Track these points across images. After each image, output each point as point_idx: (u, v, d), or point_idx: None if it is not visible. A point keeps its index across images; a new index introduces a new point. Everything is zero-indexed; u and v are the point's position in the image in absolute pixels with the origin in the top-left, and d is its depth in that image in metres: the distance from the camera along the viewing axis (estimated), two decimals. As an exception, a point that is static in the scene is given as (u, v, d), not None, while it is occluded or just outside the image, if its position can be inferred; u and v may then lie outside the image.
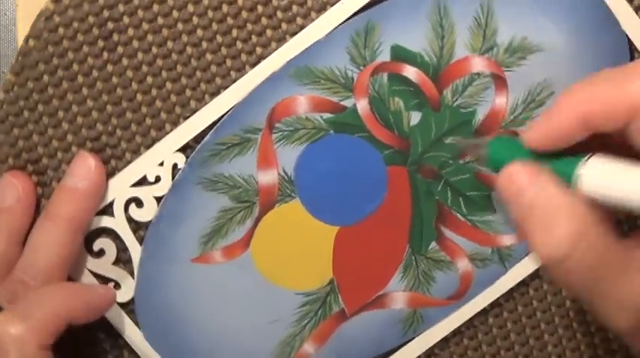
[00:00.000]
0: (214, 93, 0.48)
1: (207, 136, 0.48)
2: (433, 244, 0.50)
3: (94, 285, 0.49)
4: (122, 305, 0.49)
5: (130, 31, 0.47)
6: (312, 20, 0.47)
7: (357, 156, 0.49)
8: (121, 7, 0.46)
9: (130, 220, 0.48)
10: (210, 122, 0.48)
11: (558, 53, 0.48)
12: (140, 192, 0.48)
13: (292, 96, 0.48)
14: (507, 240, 0.50)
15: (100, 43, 0.47)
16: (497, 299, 0.51)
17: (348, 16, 0.47)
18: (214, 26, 0.47)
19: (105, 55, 0.47)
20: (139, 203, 0.48)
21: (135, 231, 0.49)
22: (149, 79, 0.47)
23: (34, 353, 0.43)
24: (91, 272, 0.49)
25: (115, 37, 0.47)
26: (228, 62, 0.48)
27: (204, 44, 0.47)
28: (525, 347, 0.52)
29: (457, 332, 0.52)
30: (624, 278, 0.37)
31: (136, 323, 0.50)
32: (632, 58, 0.49)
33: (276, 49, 0.47)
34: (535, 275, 0.51)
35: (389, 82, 0.48)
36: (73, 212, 0.47)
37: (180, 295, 0.49)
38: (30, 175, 0.48)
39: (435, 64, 0.48)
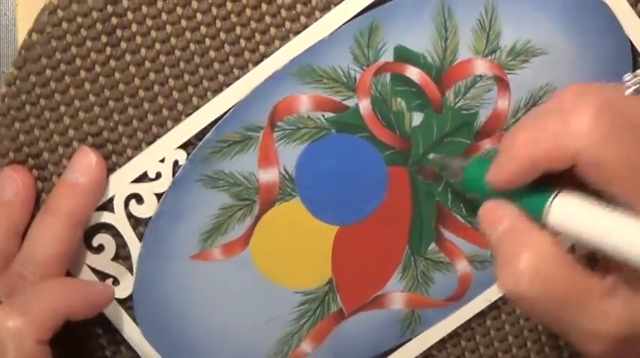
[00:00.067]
0: (217, 91, 0.48)
1: (209, 133, 0.48)
2: (432, 245, 0.50)
3: (93, 282, 0.49)
4: (120, 302, 0.49)
5: (134, 27, 0.47)
6: (316, 19, 0.47)
7: (358, 156, 0.49)
8: (125, 3, 0.46)
9: (130, 216, 0.48)
10: (212, 119, 0.48)
11: (561, 57, 0.48)
12: (140, 189, 0.48)
13: (294, 95, 0.48)
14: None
15: (104, 39, 0.47)
16: (496, 301, 0.51)
17: (352, 15, 0.47)
18: (218, 23, 0.47)
19: (108, 50, 0.47)
20: (140, 199, 0.48)
21: (134, 227, 0.49)
22: (152, 75, 0.47)
23: (31, 348, 0.43)
24: (90, 267, 0.49)
25: (119, 32, 0.47)
26: (231, 60, 0.48)
27: (208, 41, 0.47)
28: (523, 349, 0.52)
29: (455, 334, 0.52)
30: (589, 308, 0.37)
31: (134, 320, 0.50)
32: (634, 63, 0.49)
33: (279, 47, 0.47)
34: (533, 278, 0.51)
35: (391, 83, 0.48)
36: (73, 207, 0.47)
37: (179, 292, 0.49)
38: (31, 169, 0.48)
39: (438, 65, 0.48)
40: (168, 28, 0.47)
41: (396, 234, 0.50)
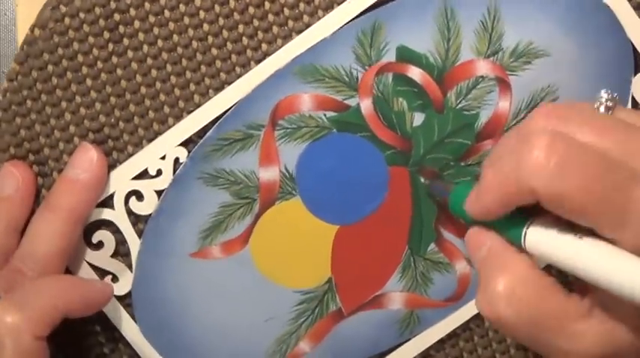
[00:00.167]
0: (218, 89, 0.48)
1: (210, 131, 0.48)
2: (432, 245, 0.50)
3: (93, 280, 0.49)
4: (119, 299, 0.49)
5: (137, 24, 0.47)
6: (319, 18, 0.47)
7: (359, 155, 0.49)
8: (127, 0, 0.46)
9: (130, 213, 0.48)
10: (213, 117, 0.48)
11: (563, 59, 0.48)
12: (141, 185, 0.48)
13: (296, 94, 0.48)
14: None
15: (106, 35, 0.47)
16: (494, 302, 0.51)
17: (354, 15, 0.47)
18: (221, 21, 0.47)
19: (110, 46, 0.47)
20: (140, 196, 0.48)
21: (134, 224, 0.49)
22: (153, 72, 0.47)
23: (29, 344, 0.43)
24: (89, 264, 0.49)
25: (121, 29, 0.47)
26: (234, 58, 0.48)
27: (210, 39, 0.47)
28: (520, 350, 0.52)
29: (453, 335, 0.52)
30: (564, 329, 0.38)
31: (133, 317, 0.50)
32: (636, 65, 0.49)
33: (281, 46, 0.47)
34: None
35: (393, 83, 0.48)
36: (74, 203, 0.47)
37: (178, 290, 0.49)
38: (31, 165, 0.48)
39: (440, 65, 0.48)
40: (171, 25, 0.47)
41: (396, 234, 0.50)
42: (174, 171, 0.48)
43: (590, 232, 0.36)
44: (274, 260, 0.50)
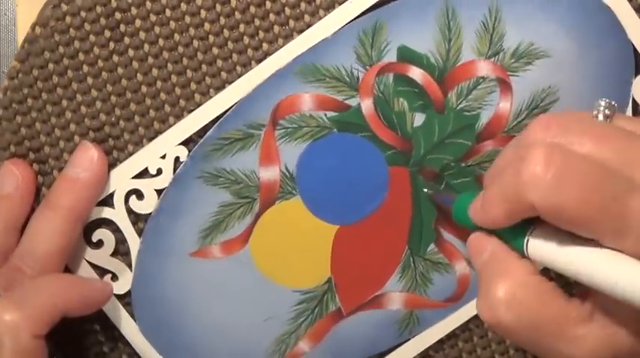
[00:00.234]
0: (219, 88, 0.48)
1: (211, 130, 0.48)
2: (432, 246, 0.50)
3: (92, 279, 0.48)
4: (119, 297, 0.49)
5: (138, 23, 0.47)
6: (320, 18, 0.47)
7: (360, 155, 0.49)
8: (129, -2, 0.46)
9: (130, 212, 0.48)
10: (214, 116, 0.48)
11: (564, 60, 0.48)
12: (141, 184, 0.48)
13: (297, 94, 0.48)
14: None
15: (107, 34, 0.47)
16: (494, 303, 0.51)
17: (356, 15, 0.47)
18: (222, 20, 0.47)
19: (111, 45, 0.47)
20: (140, 195, 0.48)
21: (134, 223, 0.49)
22: (154, 71, 0.47)
23: (27, 342, 0.43)
24: (89, 262, 0.49)
25: (122, 27, 0.47)
26: (235, 57, 0.48)
27: (211, 38, 0.47)
28: (519, 351, 0.52)
29: (452, 335, 0.52)
30: (565, 334, 0.38)
31: (132, 316, 0.49)
32: (636, 67, 0.49)
33: (282, 45, 0.47)
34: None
35: (394, 83, 0.48)
36: (74, 202, 0.47)
37: (178, 289, 0.49)
38: (31, 163, 0.48)
39: (441, 66, 0.48)
40: (172, 24, 0.47)
41: (396, 234, 0.50)
42: (175, 170, 0.48)
43: (592, 239, 0.37)
44: (274, 259, 0.50)
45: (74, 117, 0.47)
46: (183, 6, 0.47)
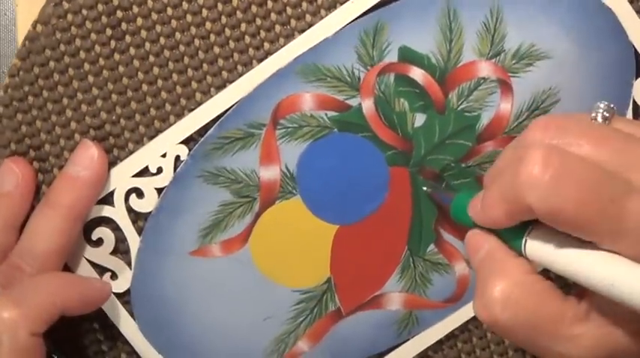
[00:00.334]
0: (220, 87, 0.48)
1: (211, 130, 0.48)
2: (432, 246, 0.50)
3: (92, 278, 0.48)
4: (118, 296, 0.49)
5: (139, 21, 0.47)
6: (322, 18, 0.47)
7: (360, 155, 0.49)
8: (130, -3, 0.46)
9: (130, 210, 0.48)
10: (214, 115, 0.48)
11: (565, 61, 0.48)
12: (141, 183, 0.48)
13: (298, 93, 0.48)
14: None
15: (108, 32, 0.47)
16: (493, 304, 0.51)
17: (357, 15, 0.47)
18: (223, 20, 0.47)
19: (112, 43, 0.47)
20: (140, 193, 0.48)
21: (134, 222, 0.49)
22: (155, 70, 0.47)
23: (25, 340, 0.43)
24: (89, 261, 0.49)
25: (124, 26, 0.47)
26: (236, 56, 0.48)
27: (213, 37, 0.47)
28: (519, 352, 0.52)
29: (451, 336, 0.52)
30: (560, 333, 0.38)
31: (131, 314, 0.49)
32: (637, 68, 0.49)
33: (284, 45, 0.47)
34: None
35: (395, 83, 0.48)
36: (74, 200, 0.47)
37: (177, 288, 0.49)
38: (32, 161, 0.48)
39: (442, 66, 0.48)
40: (174, 22, 0.47)
41: (396, 235, 0.50)
42: (175, 168, 0.48)
43: (590, 241, 0.37)
44: (274, 259, 0.50)
45: (75, 116, 0.47)
46: (185, 5, 0.47)
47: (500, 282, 0.38)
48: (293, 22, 0.47)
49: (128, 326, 0.50)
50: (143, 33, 0.47)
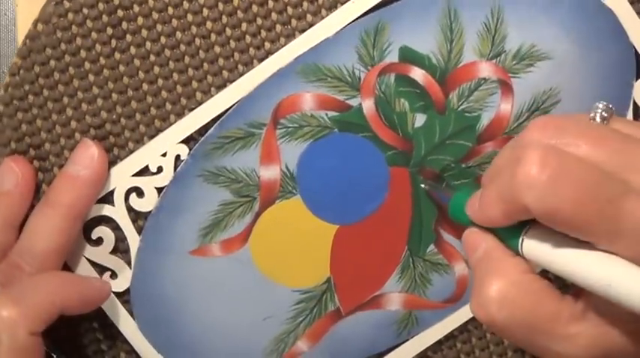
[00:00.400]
0: (221, 86, 0.48)
1: (212, 129, 0.48)
2: (431, 247, 0.50)
3: (91, 278, 0.48)
4: (117, 295, 0.49)
5: (140, 20, 0.47)
6: (323, 18, 0.47)
7: (360, 155, 0.49)
8: (131, -4, 0.46)
9: (130, 210, 0.48)
10: (215, 115, 0.48)
11: (566, 62, 0.48)
12: (141, 182, 0.48)
13: (298, 93, 0.48)
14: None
15: (109, 31, 0.47)
16: (493, 304, 0.51)
17: (358, 15, 0.47)
18: (224, 19, 0.47)
19: (113, 42, 0.47)
20: (140, 193, 0.48)
21: (134, 221, 0.48)
22: (156, 69, 0.47)
23: (24, 339, 0.42)
24: (88, 260, 0.49)
25: (124, 25, 0.47)
26: (236, 56, 0.48)
27: (213, 37, 0.47)
28: (518, 353, 0.52)
29: (451, 336, 0.52)
30: (557, 332, 0.38)
31: (131, 314, 0.49)
32: (638, 69, 0.49)
33: (284, 44, 0.47)
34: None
35: (396, 83, 0.48)
36: (74, 199, 0.47)
37: (177, 287, 0.49)
38: (32, 160, 0.48)
39: (443, 67, 0.48)
40: (174, 22, 0.47)
41: (396, 235, 0.50)
42: (175, 168, 0.48)
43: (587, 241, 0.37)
44: (274, 259, 0.50)
45: (75, 115, 0.47)
46: (186, 4, 0.47)
47: (497, 281, 0.38)
48: (294, 21, 0.47)
49: (128, 326, 0.50)
50: (144, 32, 0.47)
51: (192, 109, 0.48)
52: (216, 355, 0.50)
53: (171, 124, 0.48)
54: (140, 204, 0.48)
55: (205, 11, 0.47)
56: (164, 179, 0.48)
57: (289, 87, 0.48)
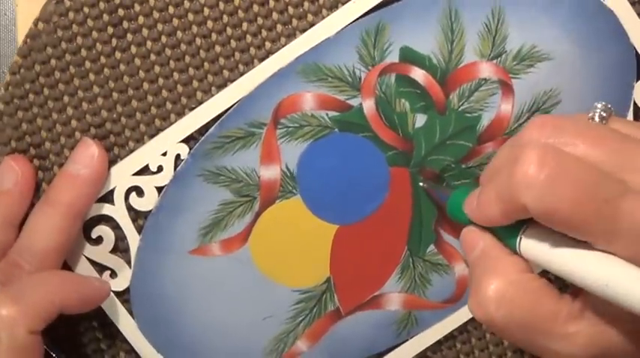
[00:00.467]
0: (221, 86, 0.48)
1: (212, 129, 0.48)
2: (431, 247, 0.50)
3: (91, 277, 0.48)
4: (117, 294, 0.49)
5: (140, 19, 0.47)
6: (323, 17, 0.47)
7: (361, 155, 0.49)
8: (132, -5, 0.46)
9: (130, 209, 0.48)
10: (215, 114, 0.48)
11: (566, 63, 0.48)
12: (141, 181, 0.48)
13: (299, 93, 0.48)
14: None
15: (110, 30, 0.47)
16: (492, 305, 0.51)
17: (359, 15, 0.47)
18: (225, 18, 0.47)
19: (114, 42, 0.47)
20: (140, 192, 0.48)
21: (134, 220, 0.48)
22: (157, 69, 0.47)
23: (23, 337, 0.42)
24: (88, 259, 0.49)
25: (125, 24, 0.47)
26: (237, 55, 0.48)
27: (214, 36, 0.47)
28: (517, 353, 0.52)
29: (450, 336, 0.52)
30: (555, 331, 0.38)
31: (130, 313, 0.49)
32: (638, 70, 0.49)
33: (285, 44, 0.47)
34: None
35: (396, 83, 0.48)
36: (74, 198, 0.47)
37: (176, 286, 0.49)
38: (32, 159, 0.48)
39: (443, 67, 0.48)
40: (175, 21, 0.47)
41: (396, 235, 0.50)
42: (175, 167, 0.48)
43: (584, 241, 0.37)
44: (273, 258, 0.50)
45: (75, 114, 0.47)
46: (187, 3, 0.47)
47: (495, 280, 0.38)
48: (295, 21, 0.47)
49: (127, 325, 0.50)
50: (144, 31, 0.47)
51: (193, 109, 0.48)
52: (215, 354, 0.50)
53: (171, 124, 0.48)
54: (140, 204, 0.48)
55: (206, 10, 0.47)
56: (164, 178, 0.48)
57: (290, 87, 0.48)
